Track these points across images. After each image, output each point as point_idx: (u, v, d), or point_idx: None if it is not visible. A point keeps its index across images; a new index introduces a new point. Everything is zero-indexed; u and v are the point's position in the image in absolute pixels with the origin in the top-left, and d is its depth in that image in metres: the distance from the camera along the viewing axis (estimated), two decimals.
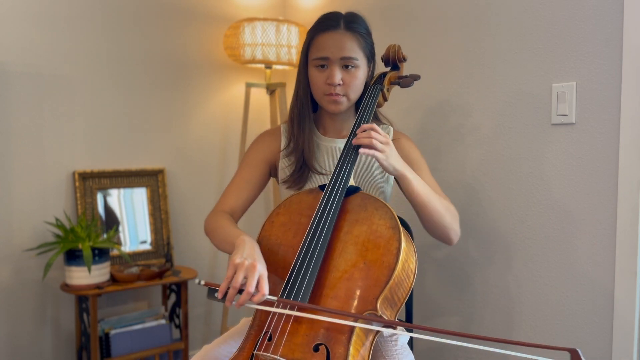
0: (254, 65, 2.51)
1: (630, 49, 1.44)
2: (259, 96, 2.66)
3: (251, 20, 2.31)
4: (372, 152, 1.17)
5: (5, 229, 2.05)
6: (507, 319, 1.77)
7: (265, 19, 2.32)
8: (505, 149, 1.75)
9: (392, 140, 1.38)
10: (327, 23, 1.32)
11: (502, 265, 1.77)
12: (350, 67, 1.30)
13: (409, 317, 1.57)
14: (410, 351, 1.30)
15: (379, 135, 1.19)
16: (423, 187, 1.25)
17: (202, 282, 1.07)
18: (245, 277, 1.03)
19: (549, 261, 1.65)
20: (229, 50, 2.37)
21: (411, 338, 1.49)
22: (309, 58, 1.34)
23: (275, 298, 1.07)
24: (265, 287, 1.04)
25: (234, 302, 1.04)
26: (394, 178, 1.34)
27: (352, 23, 1.32)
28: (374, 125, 1.21)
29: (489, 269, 1.81)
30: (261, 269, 1.06)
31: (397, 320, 1.13)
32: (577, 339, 1.60)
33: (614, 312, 1.51)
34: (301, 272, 1.10)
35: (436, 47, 1.93)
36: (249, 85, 2.48)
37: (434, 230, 1.30)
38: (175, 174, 2.45)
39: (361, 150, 1.18)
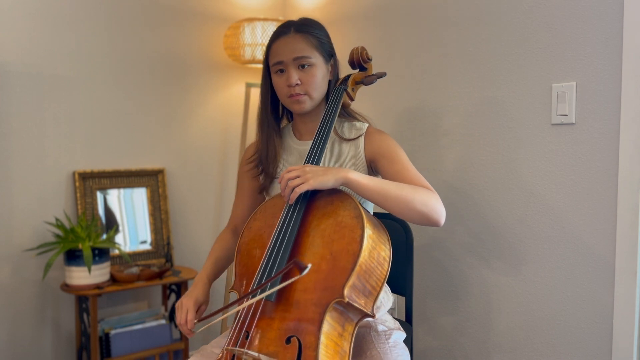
0: (254, 65, 2.51)
1: (630, 49, 1.44)
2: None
3: (251, 20, 2.32)
4: (297, 191, 1.15)
5: (5, 229, 2.05)
6: (506, 318, 1.77)
7: (265, 19, 2.32)
8: (505, 149, 1.75)
9: (365, 135, 1.39)
10: (279, 30, 1.38)
11: (501, 265, 1.77)
12: (305, 65, 1.34)
13: (408, 317, 1.58)
14: (406, 347, 1.31)
15: (288, 175, 1.18)
16: (374, 182, 1.20)
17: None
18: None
19: (549, 261, 1.65)
20: (229, 50, 2.37)
21: (411, 338, 1.49)
22: (270, 67, 1.39)
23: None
24: (186, 317, 1.32)
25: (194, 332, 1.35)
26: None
27: (302, 26, 1.38)
28: (283, 174, 1.20)
29: (489, 269, 1.81)
30: (185, 303, 1.34)
31: (372, 309, 1.13)
32: (577, 339, 1.60)
33: (614, 312, 1.51)
34: (267, 269, 1.14)
35: (435, 48, 1.93)
36: (249, 85, 2.48)
37: (413, 219, 1.22)
38: (175, 174, 2.45)
39: (290, 199, 1.17)
